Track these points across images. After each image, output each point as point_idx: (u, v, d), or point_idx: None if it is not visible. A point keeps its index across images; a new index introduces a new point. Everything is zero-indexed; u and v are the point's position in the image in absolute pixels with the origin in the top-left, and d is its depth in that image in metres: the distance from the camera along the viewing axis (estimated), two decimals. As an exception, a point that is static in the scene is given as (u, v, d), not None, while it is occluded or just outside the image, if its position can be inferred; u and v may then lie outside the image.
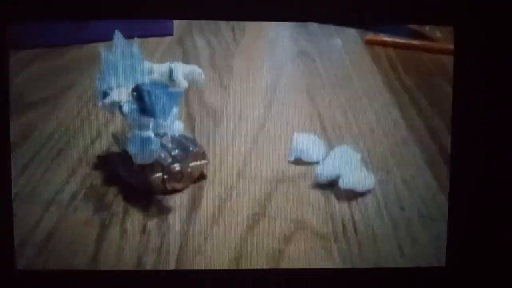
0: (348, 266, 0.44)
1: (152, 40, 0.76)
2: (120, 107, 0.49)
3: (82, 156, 0.54)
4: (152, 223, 0.47)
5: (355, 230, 0.46)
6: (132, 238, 0.45)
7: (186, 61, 0.68)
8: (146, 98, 0.46)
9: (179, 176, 0.51)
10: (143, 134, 0.47)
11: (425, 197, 0.50)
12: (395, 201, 0.49)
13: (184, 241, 0.45)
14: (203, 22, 0.66)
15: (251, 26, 0.76)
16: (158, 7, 0.47)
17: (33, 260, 0.43)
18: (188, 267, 0.43)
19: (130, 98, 0.48)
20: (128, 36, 0.76)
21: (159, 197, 0.49)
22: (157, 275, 0.43)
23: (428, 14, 0.47)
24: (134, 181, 0.50)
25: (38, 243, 0.44)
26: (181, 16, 0.58)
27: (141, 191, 0.50)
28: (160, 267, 0.43)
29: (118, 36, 0.50)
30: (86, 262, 0.43)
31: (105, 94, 0.50)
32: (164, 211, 0.48)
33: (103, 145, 0.56)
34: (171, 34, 0.77)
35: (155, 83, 0.48)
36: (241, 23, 0.77)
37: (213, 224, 0.47)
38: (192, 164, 0.51)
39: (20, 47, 0.65)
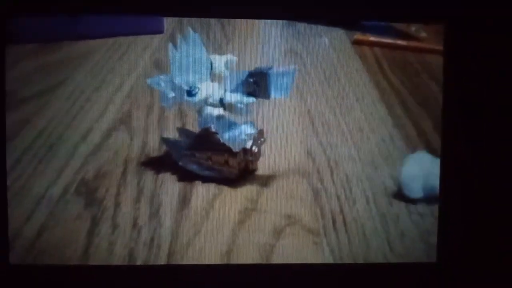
0: (338, 259, 0.44)
1: (143, 37, 0.76)
2: (221, 100, 0.49)
3: (74, 151, 0.54)
4: (143, 218, 0.47)
5: (344, 224, 0.47)
6: (123, 232, 0.45)
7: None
8: (267, 82, 0.47)
9: (258, 156, 0.52)
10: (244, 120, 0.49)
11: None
12: (383, 196, 0.50)
13: (175, 235, 0.45)
14: (193, 20, 0.67)
15: (241, 25, 0.77)
16: (149, 3, 0.48)
17: (24, 254, 0.43)
18: (179, 261, 0.43)
19: (231, 87, 0.49)
20: (120, 33, 0.76)
21: (151, 191, 0.50)
22: (148, 270, 0.44)
23: (418, 12, 0.48)
24: (213, 172, 0.51)
25: (29, 237, 0.44)
26: (172, 13, 0.58)
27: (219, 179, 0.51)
28: (151, 261, 0.43)
29: (190, 32, 0.49)
30: (77, 256, 0.43)
31: (191, 92, 0.49)
32: (155, 205, 0.48)
33: (94, 140, 0.56)
34: (162, 32, 0.77)
35: (257, 69, 0.48)
36: (231, 21, 0.78)
37: (204, 218, 0.47)
38: (259, 141, 0.52)
39: (14, 42, 0.65)
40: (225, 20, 0.78)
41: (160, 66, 0.69)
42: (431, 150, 0.55)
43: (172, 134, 0.56)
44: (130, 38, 0.76)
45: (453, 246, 0.46)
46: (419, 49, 0.77)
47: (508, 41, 0.47)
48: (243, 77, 0.48)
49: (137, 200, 0.49)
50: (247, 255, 0.44)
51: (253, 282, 0.46)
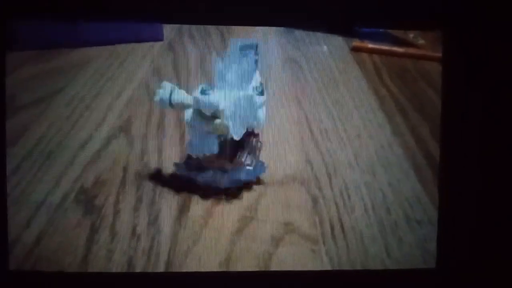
0: (336, 267, 0.44)
1: (143, 45, 0.77)
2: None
3: (73, 159, 0.54)
4: (142, 226, 0.47)
5: (343, 231, 0.47)
6: (122, 240, 0.45)
7: (176, 66, 0.70)
8: None
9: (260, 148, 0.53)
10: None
11: (411, 200, 0.51)
12: (381, 203, 0.50)
13: (173, 243, 0.45)
14: (193, 28, 0.67)
15: (240, 32, 0.77)
16: (149, 11, 0.48)
17: (23, 260, 0.43)
18: (177, 269, 0.43)
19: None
20: (120, 41, 0.77)
21: (150, 199, 0.50)
22: (146, 277, 0.44)
23: (416, 19, 0.48)
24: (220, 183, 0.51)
25: (28, 243, 0.44)
26: (171, 20, 0.58)
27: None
28: (150, 270, 0.43)
29: (234, 43, 0.50)
30: (76, 264, 0.43)
31: (205, 91, 0.49)
32: (154, 213, 0.48)
33: (94, 147, 0.56)
34: (162, 39, 0.78)
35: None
36: (230, 28, 0.78)
37: (202, 227, 0.47)
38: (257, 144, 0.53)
39: (14, 49, 0.65)
40: (224, 28, 0.79)
41: (159, 73, 0.70)
42: (428, 157, 0.55)
43: (170, 140, 0.56)
44: (130, 45, 0.76)
45: (453, 252, 0.46)
46: (417, 56, 0.78)
47: (507, 48, 0.47)
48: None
49: (136, 208, 0.49)
50: (246, 263, 0.44)
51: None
